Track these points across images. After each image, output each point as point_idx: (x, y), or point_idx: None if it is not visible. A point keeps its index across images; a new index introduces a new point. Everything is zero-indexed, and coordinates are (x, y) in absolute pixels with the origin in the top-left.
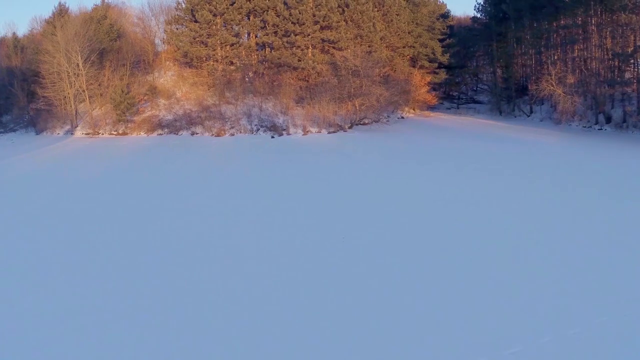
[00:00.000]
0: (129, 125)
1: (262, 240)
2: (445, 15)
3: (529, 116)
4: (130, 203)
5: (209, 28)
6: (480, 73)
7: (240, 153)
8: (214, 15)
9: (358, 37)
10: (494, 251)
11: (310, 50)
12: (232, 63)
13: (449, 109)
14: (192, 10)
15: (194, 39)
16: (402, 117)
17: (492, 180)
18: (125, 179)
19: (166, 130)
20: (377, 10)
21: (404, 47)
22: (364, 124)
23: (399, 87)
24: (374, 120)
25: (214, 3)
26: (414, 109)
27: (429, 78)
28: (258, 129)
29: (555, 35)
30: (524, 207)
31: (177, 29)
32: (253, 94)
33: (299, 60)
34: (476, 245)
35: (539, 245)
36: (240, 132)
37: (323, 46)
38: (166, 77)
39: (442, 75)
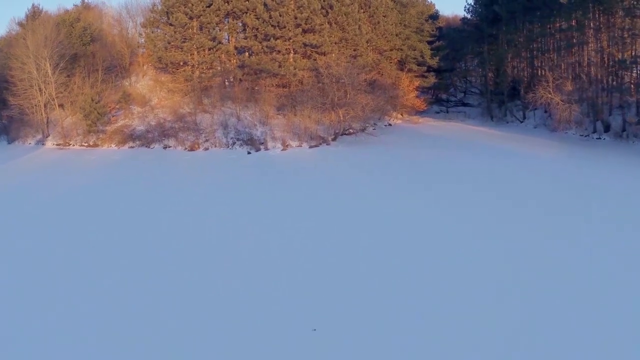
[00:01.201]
0: (100, 136)
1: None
2: (434, 17)
3: (522, 122)
4: (103, 223)
5: (184, 32)
6: (470, 76)
7: (214, 172)
8: (190, 18)
9: (343, 41)
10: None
11: (291, 55)
12: (211, 68)
13: (438, 112)
14: (167, 12)
15: (169, 43)
16: (390, 124)
17: (486, 208)
18: (94, 200)
19: (138, 142)
20: (363, 12)
21: (391, 50)
22: (349, 134)
23: (386, 94)
24: (360, 129)
25: (190, 5)
26: (402, 114)
27: (417, 82)
28: (234, 143)
29: (550, 39)
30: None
31: (152, 32)
32: (232, 100)
33: (280, 66)
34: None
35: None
36: (215, 146)
37: (305, 51)
38: (143, 82)
39: (431, 79)
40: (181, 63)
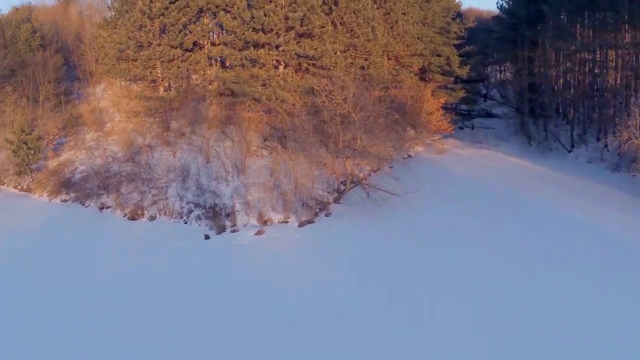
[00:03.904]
0: (36, 176)
1: None
2: (462, 15)
3: (570, 152)
4: None
5: (140, 36)
6: (504, 89)
7: (136, 285)
8: (150, 17)
9: (351, 48)
10: None
11: (280, 69)
12: (173, 83)
13: (462, 128)
14: (125, 10)
15: (121, 51)
16: (410, 156)
17: None
18: None
19: (73, 194)
20: (377, 8)
21: (411, 57)
22: (359, 183)
23: (406, 116)
24: (372, 170)
25: (146, 0)
26: (421, 132)
27: (443, 99)
28: (190, 211)
29: (614, 53)
30: None
31: (108, 36)
32: (208, 124)
33: (264, 85)
34: None
35: None
36: (165, 214)
37: (299, 64)
38: (112, 93)
39: (459, 92)
40: (133, 78)
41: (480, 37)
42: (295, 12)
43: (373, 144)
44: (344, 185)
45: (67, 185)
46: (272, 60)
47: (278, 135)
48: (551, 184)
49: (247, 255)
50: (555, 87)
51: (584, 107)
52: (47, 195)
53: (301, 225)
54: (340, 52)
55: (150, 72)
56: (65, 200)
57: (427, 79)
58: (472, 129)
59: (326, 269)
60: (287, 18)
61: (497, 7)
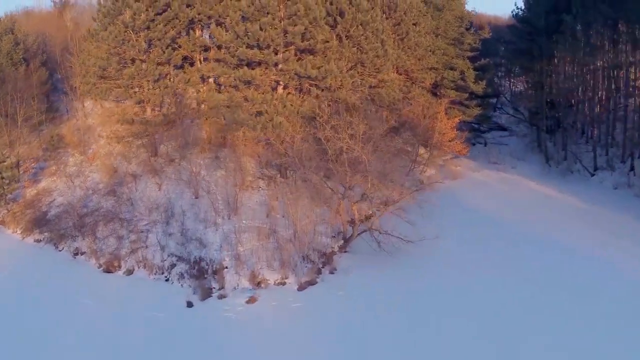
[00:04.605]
0: (12, 207)
1: None
2: (472, 23)
3: (593, 175)
4: None
5: (123, 52)
6: (519, 104)
7: None
8: (134, 31)
9: (358, 65)
10: None
11: (279, 90)
12: (175, 98)
13: (475, 144)
14: (109, 23)
15: (103, 69)
16: (422, 182)
17: None
18: None
19: (46, 235)
20: (386, 18)
21: (423, 71)
22: (367, 228)
23: (417, 137)
24: (382, 202)
25: (129, 11)
26: (433, 154)
27: (458, 117)
28: (173, 265)
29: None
30: None
31: (94, 49)
32: (201, 147)
33: (258, 114)
34: None
35: None
36: (144, 267)
37: (300, 84)
38: (98, 109)
39: (475, 110)
40: (115, 98)
41: (493, 47)
42: (295, 25)
43: (386, 187)
44: (351, 226)
45: (42, 222)
46: (270, 81)
47: (277, 163)
48: (577, 218)
49: (236, 331)
50: (573, 102)
51: (607, 126)
52: (20, 233)
53: (301, 288)
54: (347, 70)
55: (135, 92)
56: (38, 241)
57: (439, 94)
58: (485, 145)
59: (330, 347)
60: (286, 32)
61: (512, 15)
